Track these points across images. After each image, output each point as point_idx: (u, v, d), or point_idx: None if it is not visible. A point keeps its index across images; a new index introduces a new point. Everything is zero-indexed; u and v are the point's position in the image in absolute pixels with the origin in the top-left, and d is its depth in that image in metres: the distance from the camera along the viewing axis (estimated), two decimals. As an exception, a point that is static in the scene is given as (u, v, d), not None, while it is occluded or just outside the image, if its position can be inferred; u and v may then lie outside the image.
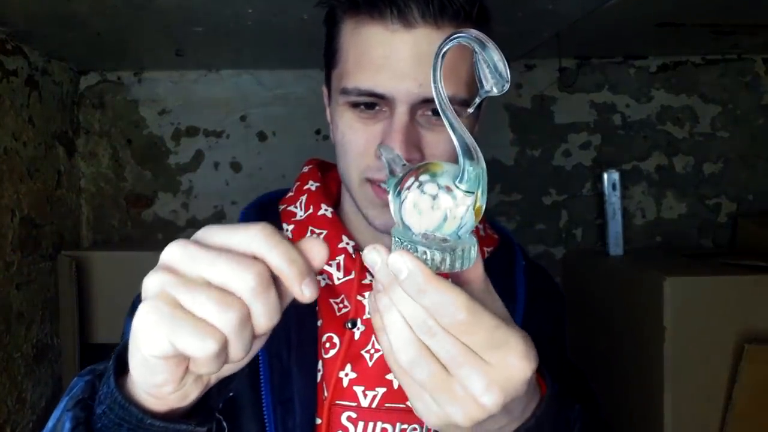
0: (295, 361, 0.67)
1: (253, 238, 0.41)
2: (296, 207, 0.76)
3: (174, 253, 0.41)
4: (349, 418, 0.66)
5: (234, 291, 0.39)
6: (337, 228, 0.72)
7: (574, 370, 0.83)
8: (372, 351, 0.68)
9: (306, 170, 0.81)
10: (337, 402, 0.66)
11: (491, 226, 0.84)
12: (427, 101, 0.63)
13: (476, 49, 0.39)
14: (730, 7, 1.39)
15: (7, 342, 1.44)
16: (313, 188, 0.77)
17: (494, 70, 0.39)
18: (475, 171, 0.40)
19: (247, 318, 0.39)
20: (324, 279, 0.71)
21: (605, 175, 1.77)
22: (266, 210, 0.78)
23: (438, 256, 0.40)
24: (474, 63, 0.40)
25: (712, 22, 1.52)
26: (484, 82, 0.40)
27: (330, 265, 0.71)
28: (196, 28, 1.42)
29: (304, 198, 0.76)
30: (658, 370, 1.35)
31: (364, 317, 0.68)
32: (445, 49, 0.40)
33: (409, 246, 0.41)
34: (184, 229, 1.93)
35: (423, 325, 0.40)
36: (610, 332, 1.61)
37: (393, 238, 0.42)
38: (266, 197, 0.82)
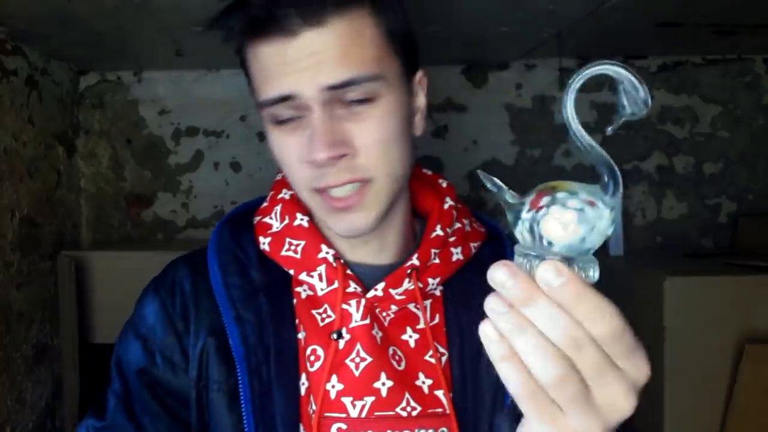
0: (276, 378, 0.66)
1: None
2: (272, 218, 0.74)
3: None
4: (339, 430, 0.66)
5: None
6: (315, 237, 0.71)
7: None
8: (357, 360, 0.67)
9: (279, 177, 0.79)
10: (326, 414, 0.66)
11: (477, 219, 0.82)
12: (335, 88, 0.61)
13: (613, 76, 0.41)
14: (731, 7, 1.39)
15: (7, 342, 1.44)
16: (287, 197, 0.75)
17: (635, 93, 0.40)
18: (618, 190, 0.42)
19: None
20: (305, 290, 0.70)
21: (605, 175, 1.76)
22: (240, 223, 0.76)
23: (575, 268, 0.41)
24: (618, 90, 0.41)
25: (712, 22, 1.52)
26: (626, 106, 0.41)
27: (311, 276, 0.69)
28: (195, 28, 1.42)
29: (278, 208, 0.75)
30: (658, 369, 1.35)
31: (350, 326, 0.67)
32: (578, 85, 0.42)
33: (546, 259, 0.40)
34: (184, 229, 1.93)
35: (571, 337, 0.38)
36: (611, 332, 1.61)
37: (518, 257, 0.42)
38: (241, 208, 0.80)
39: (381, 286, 0.69)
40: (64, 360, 1.63)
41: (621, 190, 0.42)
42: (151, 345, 0.71)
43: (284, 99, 0.63)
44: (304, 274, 0.70)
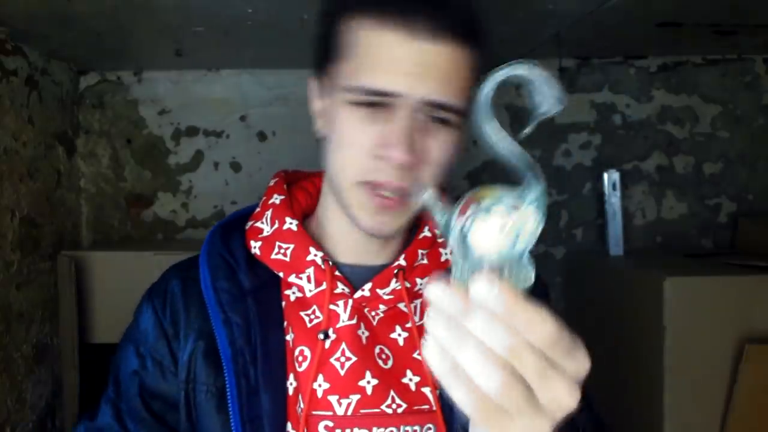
0: (262, 379, 0.67)
1: None
2: (263, 223, 0.76)
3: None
4: (326, 427, 0.67)
5: None
6: (303, 240, 0.72)
7: None
8: (342, 359, 0.68)
9: (272, 184, 0.81)
10: (314, 413, 0.67)
11: None
12: (426, 107, 0.64)
13: (528, 77, 0.41)
14: (731, 6, 1.39)
15: (7, 342, 1.44)
16: (278, 202, 0.77)
17: (549, 91, 0.40)
18: (540, 188, 0.42)
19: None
20: (294, 293, 0.72)
21: (605, 175, 1.77)
22: (232, 229, 0.78)
23: (512, 278, 0.41)
24: (528, 89, 0.41)
25: (712, 22, 1.52)
26: (540, 105, 0.41)
27: (300, 278, 0.71)
28: (196, 28, 1.42)
29: (269, 213, 0.76)
30: (658, 370, 1.35)
31: (337, 326, 0.69)
32: (490, 90, 0.42)
33: (479, 271, 0.40)
34: (184, 229, 1.93)
35: (510, 347, 0.39)
36: (610, 332, 1.61)
37: (454, 268, 0.42)
38: (235, 215, 0.82)
39: (368, 286, 0.71)
40: (63, 360, 1.63)
41: (542, 183, 0.41)
42: (143, 350, 0.73)
43: (383, 94, 0.63)
44: (293, 276, 0.71)
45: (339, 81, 0.67)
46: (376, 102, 0.64)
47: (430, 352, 0.40)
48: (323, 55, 0.71)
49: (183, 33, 1.47)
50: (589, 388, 0.79)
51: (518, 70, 0.41)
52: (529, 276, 0.42)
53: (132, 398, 0.71)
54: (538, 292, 0.84)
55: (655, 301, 1.36)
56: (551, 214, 1.96)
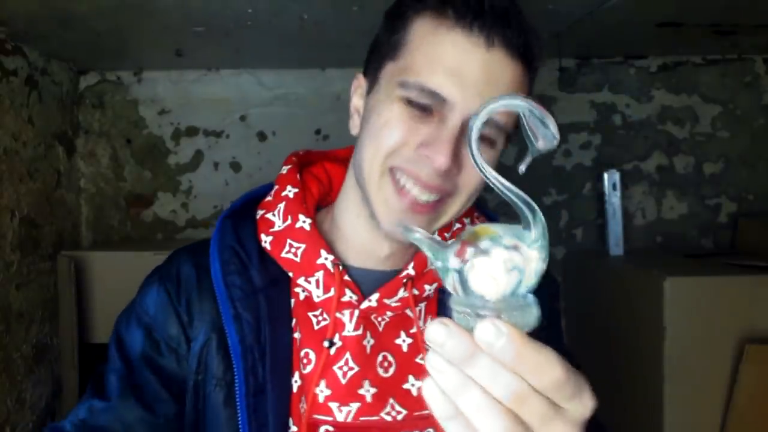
0: (270, 377, 0.68)
1: None
2: (275, 215, 0.75)
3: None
4: None
5: None
6: (315, 241, 0.71)
7: (570, 360, 0.81)
8: (345, 368, 0.68)
9: (285, 171, 0.78)
10: (315, 416, 0.68)
11: (481, 216, 0.82)
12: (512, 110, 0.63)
13: (524, 113, 0.40)
14: (731, 7, 1.39)
15: (7, 342, 1.44)
16: (291, 195, 0.75)
17: (545, 129, 0.40)
18: (540, 224, 0.40)
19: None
20: (303, 291, 0.71)
21: (605, 175, 1.77)
22: (243, 218, 0.77)
23: (516, 320, 0.39)
24: (522, 125, 0.40)
25: (712, 22, 1.52)
26: (534, 141, 0.40)
27: (309, 282, 0.70)
28: (196, 28, 1.42)
29: (282, 206, 0.75)
30: (658, 369, 1.35)
31: (343, 333, 0.69)
32: (480, 123, 0.41)
33: (482, 314, 0.39)
34: (184, 229, 1.93)
35: (515, 393, 0.37)
36: (611, 332, 1.61)
37: (455, 312, 0.40)
38: (245, 198, 0.81)
39: (375, 297, 0.70)
40: (63, 360, 1.63)
41: (542, 223, 0.40)
42: (156, 335, 0.73)
43: (437, 97, 0.63)
44: (302, 279, 0.71)
45: (396, 77, 0.65)
46: (425, 104, 0.63)
47: (430, 394, 0.39)
48: (383, 51, 0.69)
49: (183, 33, 1.47)
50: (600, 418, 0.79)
51: (516, 105, 0.40)
52: (534, 316, 0.40)
53: (150, 380, 0.71)
54: (546, 291, 0.84)
55: (655, 301, 1.36)
56: (552, 215, 1.96)
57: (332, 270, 0.70)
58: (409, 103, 0.64)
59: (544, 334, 0.71)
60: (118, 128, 1.91)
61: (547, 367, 0.37)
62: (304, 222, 0.72)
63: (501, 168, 1.78)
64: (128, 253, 1.67)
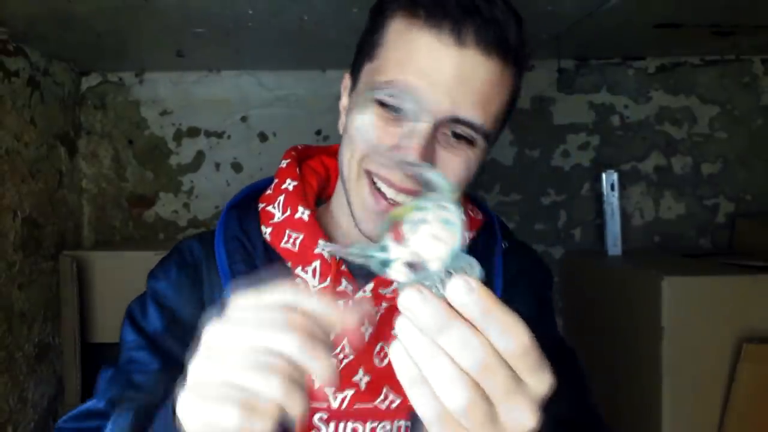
0: None
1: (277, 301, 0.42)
2: (275, 207, 0.76)
3: (212, 336, 0.43)
4: (321, 419, 0.68)
5: (280, 351, 0.41)
6: (313, 232, 0.72)
7: (564, 348, 0.82)
8: (341, 356, 0.69)
9: (284, 165, 0.80)
10: (313, 404, 0.68)
11: (475, 207, 0.83)
12: (453, 121, 0.63)
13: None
14: (729, 7, 1.39)
15: (9, 342, 1.45)
16: (290, 188, 0.77)
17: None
18: (447, 183, 0.42)
19: (293, 377, 0.41)
20: (301, 282, 0.72)
21: (604, 176, 1.77)
22: (247, 209, 0.78)
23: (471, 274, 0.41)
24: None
25: (710, 23, 1.53)
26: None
27: (306, 272, 0.71)
28: (196, 28, 1.43)
29: (281, 198, 0.76)
30: (656, 369, 1.36)
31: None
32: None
33: (442, 278, 0.40)
34: (186, 229, 1.94)
35: (482, 363, 0.38)
36: (609, 332, 1.62)
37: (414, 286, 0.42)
38: (248, 190, 0.82)
39: (369, 287, 0.71)
40: (65, 359, 1.63)
41: (444, 183, 0.43)
42: (178, 315, 0.74)
43: (407, 98, 0.63)
44: (299, 268, 0.71)
45: (371, 78, 0.66)
46: (402, 106, 0.64)
47: (398, 359, 0.39)
48: (364, 50, 0.70)
49: (184, 34, 1.48)
50: (590, 383, 0.80)
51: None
52: (480, 273, 0.41)
53: (173, 346, 0.72)
54: (538, 280, 0.85)
55: (653, 301, 1.36)
56: (550, 215, 1.97)
57: (329, 259, 0.70)
58: (382, 104, 0.65)
59: (534, 325, 0.72)
60: (119, 129, 1.92)
61: (515, 330, 0.38)
62: (303, 213, 0.74)
63: (500, 168, 1.79)
64: (130, 253, 1.68)
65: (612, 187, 1.76)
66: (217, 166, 1.94)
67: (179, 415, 0.45)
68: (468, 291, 0.37)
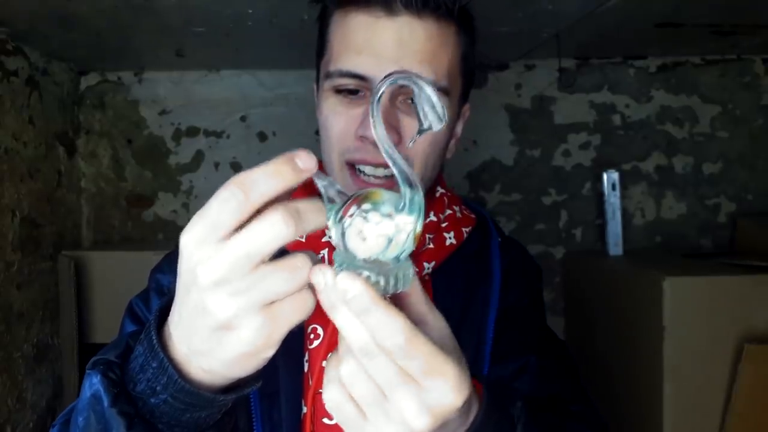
0: (282, 359, 0.69)
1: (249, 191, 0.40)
2: None
3: (216, 273, 0.40)
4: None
5: (284, 239, 0.41)
6: None
7: (554, 341, 0.85)
8: None
9: None
10: (320, 391, 0.68)
11: (467, 207, 0.86)
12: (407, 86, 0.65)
13: (415, 90, 0.43)
14: (730, 7, 1.39)
15: (8, 342, 1.45)
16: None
17: (432, 109, 0.43)
18: (415, 199, 0.43)
19: (310, 260, 0.43)
20: None
21: (605, 176, 1.77)
22: None
23: (381, 280, 0.42)
24: (413, 102, 0.43)
25: (711, 22, 1.52)
26: (423, 120, 0.43)
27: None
28: (196, 28, 1.42)
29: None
30: (658, 369, 1.36)
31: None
32: (381, 91, 0.43)
33: (352, 269, 0.42)
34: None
35: (363, 347, 0.40)
36: (610, 332, 1.62)
37: (335, 264, 0.44)
38: None
39: None
40: (64, 360, 1.63)
41: (419, 193, 0.43)
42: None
43: (356, 76, 0.65)
44: None
45: (323, 71, 0.69)
46: (358, 87, 0.66)
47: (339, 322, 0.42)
48: (317, 52, 0.74)
49: (183, 33, 1.48)
50: (585, 387, 0.80)
51: (410, 81, 0.43)
52: (406, 280, 0.44)
53: None
54: (530, 275, 0.86)
55: (654, 301, 1.36)
56: (551, 215, 1.97)
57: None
58: (338, 91, 0.67)
59: (526, 317, 0.72)
60: (118, 128, 1.92)
61: (390, 329, 0.40)
62: None
63: (501, 168, 1.78)
64: (129, 253, 1.68)
65: (613, 187, 1.75)
66: (217, 165, 1.93)
67: (173, 333, 0.45)
68: (350, 288, 0.40)
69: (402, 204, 0.43)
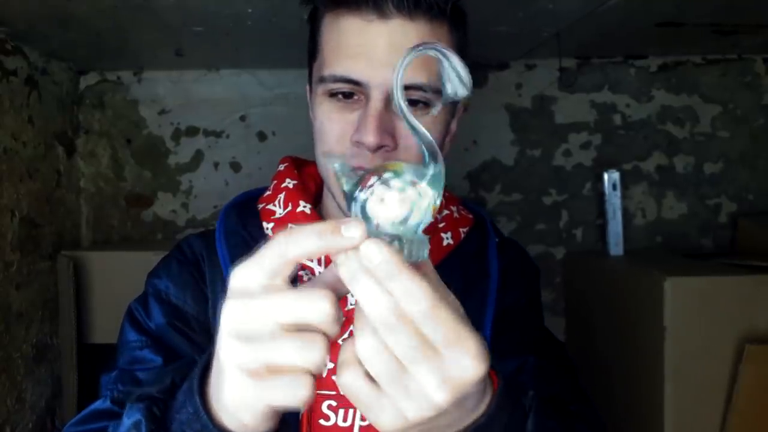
0: None
1: (287, 252, 0.42)
2: (275, 205, 0.77)
3: (236, 314, 0.41)
4: (329, 407, 0.68)
5: (311, 324, 0.41)
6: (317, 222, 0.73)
7: (552, 341, 0.84)
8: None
9: (282, 168, 0.82)
10: (318, 391, 0.68)
11: (464, 207, 0.85)
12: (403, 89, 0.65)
13: (441, 59, 0.43)
14: (731, 6, 1.39)
15: (7, 342, 1.44)
16: (291, 186, 0.78)
17: (458, 77, 0.43)
18: (437, 168, 0.44)
19: (327, 344, 0.41)
20: (306, 274, 0.72)
21: (605, 175, 1.76)
22: (246, 208, 0.79)
23: (402, 248, 0.42)
24: (439, 71, 0.44)
25: (712, 22, 1.52)
26: (448, 87, 0.44)
27: (311, 261, 0.71)
28: (195, 28, 1.42)
29: (282, 196, 0.77)
30: (659, 370, 1.35)
31: (346, 308, 0.69)
32: (407, 60, 0.44)
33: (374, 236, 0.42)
34: (184, 229, 1.93)
35: (385, 318, 0.40)
36: (611, 332, 1.61)
37: None
38: (245, 195, 0.84)
39: None
40: (63, 360, 1.63)
41: (441, 163, 0.44)
42: (186, 314, 0.74)
43: (349, 81, 0.64)
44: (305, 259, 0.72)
45: (317, 75, 0.69)
46: (352, 91, 0.65)
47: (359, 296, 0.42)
48: (309, 55, 0.73)
49: (183, 33, 1.47)
50: (584, 387, 0.80)
51: (433, 51, 0.43)
52: (423, 252, 0.43)
53: (177, 342, 0.72)
54: (528, 275, 0.86)
55: (655, 301, 1.36)
56: (551, 215, 1.96)
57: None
58: (332, 95, 0.67)
59: (524, 317, 0.72)
60: (118, 128, 1.91)
61: (417, 294, 0.39)
62: (305, 207, 0.75)
63: (501, 168, 1.78)
64: (128, 253, 1.67)
65: (614, 187, 1.75)
66: (216, 165, 1.93)
67: (213, 396, 0.46)
68: (376, 253, 0.39)
69: (423, 173, 0.43)
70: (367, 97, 0.64)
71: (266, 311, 0.40)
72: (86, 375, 1.60)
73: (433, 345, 0.40)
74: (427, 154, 0.44)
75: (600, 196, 1.87)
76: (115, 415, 0.63)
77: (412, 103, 0.65)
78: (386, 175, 0.43)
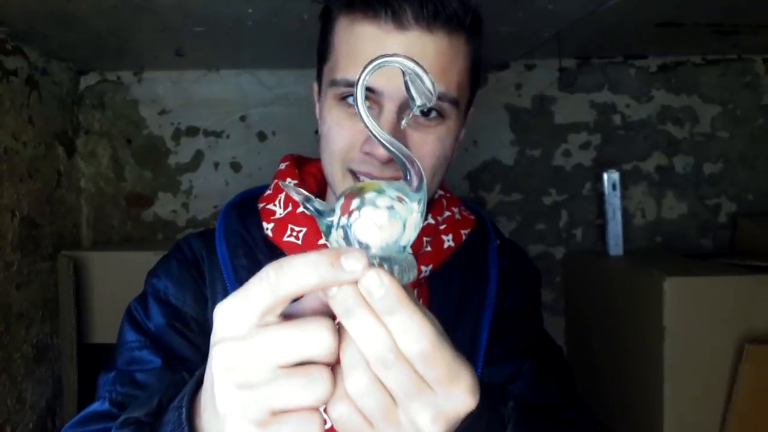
0: None
1: (276, 286, 0.37)
2: (275, 205, 0.77)
3: (229, 360, 0.37)
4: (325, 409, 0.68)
5: (313, 358, 0.37)
6: (316, 224, 0.72)
7: (550, 345, 0.84)
8: None
9: (283, 167, 0.82)
10: None
11: (466, 208, 0.85)
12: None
13: (404, 71, 0.42)
14: (731, 7, 1.39)
15: (7, 342, 1.44)
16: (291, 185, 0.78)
17: (422, 86, 0.42)
18: (417, 177, 0.42)
19: (332, 375, 0.38)
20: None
21: (605, 176, 1.77)
22: (247, 207, 0.79)
23: (393, 269, 0.39)
24: (405, 83, 0.42)
25: (712, 22, 1.52)
26: (416, 98, 0.42)
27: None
28: (195, 27, 1.42)
29: (282, 196, 0.77)
30: (658, 370, 1.35)
31: None
32: (365, 78, 0.42)
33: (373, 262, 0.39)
34: (184, 229, 1.93)
35: (381, 356, 0.37)
36: (610, 332, 1.61)
37: None
38: (246, 194, 0.83)
39: None
40: (63, 360, 1.63)
41: (424, 180, 0.42)
42: (185, 315, 0.74)
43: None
44: None
45: (328, 77, 0.68)
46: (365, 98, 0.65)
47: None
48: (319, 54, 0.72)
49: (183, 33, 1.47)
50: (579, 393, 0.80)
51: (395, 62, 0.41)
52: (412, 273, 0.41)
53: (177, 343, 0.72)
54: (528, 277, 0.86)
55: (654, 301, 1.36)
56: (551, 215, 1.96)
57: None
58: (343, 99, 0.66)
59: (523, 320, 0.71)
60: (118, 128, 1.91)
61: (416, 333, 0.37)
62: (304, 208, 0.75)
63: (501, 168, 1.78)
64: (129, 253, 1.67)
65: (613, 187, 1.75)
66: (216, 165, 1.93)
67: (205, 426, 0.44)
68: (378, 285, 0.37)
69: (404, 186, 0.42)
70: (380, 107, 0.63)
71: (262, 353, 0.36)
72: (86, 375, 1.60)
73: (428, 383, 0.38)
74: (405, 164, 0.42)
75: (600, 196, 1.87)
76: (114, 417, 0.62)
77: (426, 113, 0.65)
78: (369, 195, 0.40)
